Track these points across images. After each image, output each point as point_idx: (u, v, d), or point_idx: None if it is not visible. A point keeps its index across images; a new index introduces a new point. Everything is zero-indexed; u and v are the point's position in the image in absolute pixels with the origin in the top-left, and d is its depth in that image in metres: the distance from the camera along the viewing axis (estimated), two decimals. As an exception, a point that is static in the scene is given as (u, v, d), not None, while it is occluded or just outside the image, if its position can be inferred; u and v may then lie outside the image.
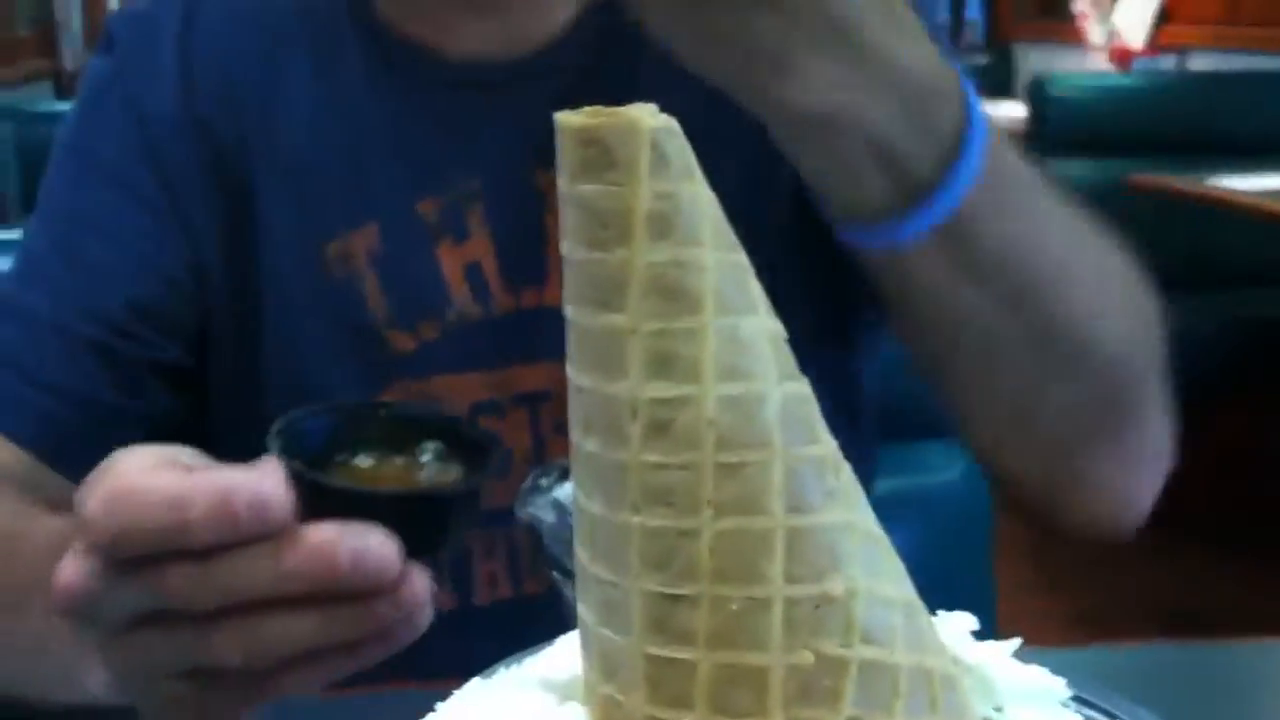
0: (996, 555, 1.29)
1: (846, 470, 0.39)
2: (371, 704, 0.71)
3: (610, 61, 0.85)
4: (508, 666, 0.44)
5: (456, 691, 0.41)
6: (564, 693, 0.42)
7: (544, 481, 0.79)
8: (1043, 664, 0.45)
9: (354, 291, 0.85)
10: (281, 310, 0.86)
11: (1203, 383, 2.81)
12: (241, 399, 0.87)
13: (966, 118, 0.68)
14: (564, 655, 0.43)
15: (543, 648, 0.45)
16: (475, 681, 0.42)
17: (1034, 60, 5.09)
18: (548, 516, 0.71)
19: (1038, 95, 3.50)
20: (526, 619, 0.75)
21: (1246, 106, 3.44)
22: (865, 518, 0.39)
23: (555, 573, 0.62)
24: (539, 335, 0.83)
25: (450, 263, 0.85)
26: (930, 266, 0.70)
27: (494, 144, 0.86)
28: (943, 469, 1.26)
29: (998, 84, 5.06)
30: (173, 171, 0.86)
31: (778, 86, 0.64)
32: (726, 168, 0.73)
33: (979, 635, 0.45)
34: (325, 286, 0.85)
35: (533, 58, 0.86)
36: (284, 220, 0.86)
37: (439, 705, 0.40)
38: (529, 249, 0.85)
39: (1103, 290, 0.78)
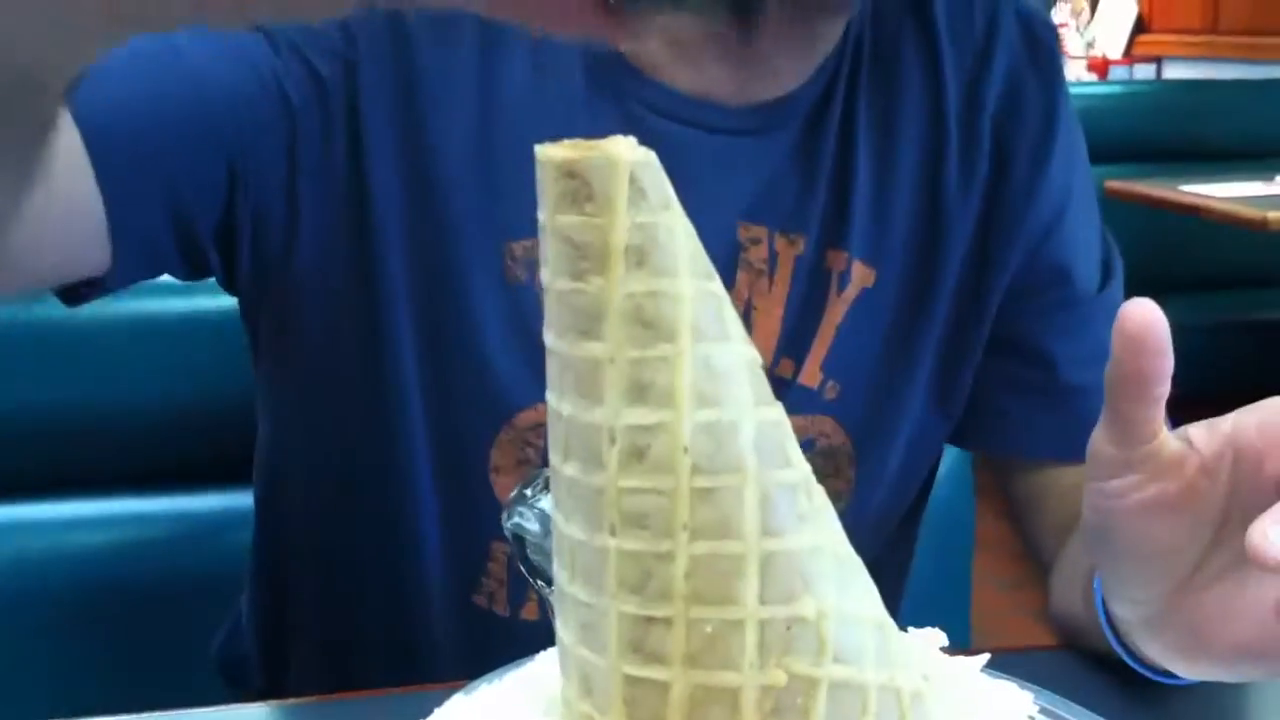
0: (977, 552, 1.30)
1: (819, 493, 0.40)
2: (374, 707, 0.72)
3: (830, 118, 0.85)
4: (490, 682, 0.45)
5: (438, 709, 0.42)
6: (544, 709, 0.43)
7: (529, 492, 0.80)
8: (1023, 666, 0.46)
9: (531, 296, 0.81)
10: (464, 304, 0.81)
11: (1180, 385, 2.83)
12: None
13: None
14: (544, 672, 0.44)
15: (523, 663, 0.46)
16: (457, 697, 0.43)
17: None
18: (532, 526, 0.72)
19: (1015, 102, 3.50)
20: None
21: (1221, 114, 3.47)
22: (836, 539, 0.40)
23: (540, 582, 0.62)
24: None
25: None
26: None
27: (701, 185, 0.79)
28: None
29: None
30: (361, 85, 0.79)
31: None
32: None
33: (953, 638, 0.46)
34: (502, 285, 0.81)
35: (765, 109, 0.84)
36: (471, 208, 0.81)
37: (420, 721, 0.41)
38: None
39: None
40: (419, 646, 0.87)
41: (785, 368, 0.86)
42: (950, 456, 1.23)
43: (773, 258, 0.85)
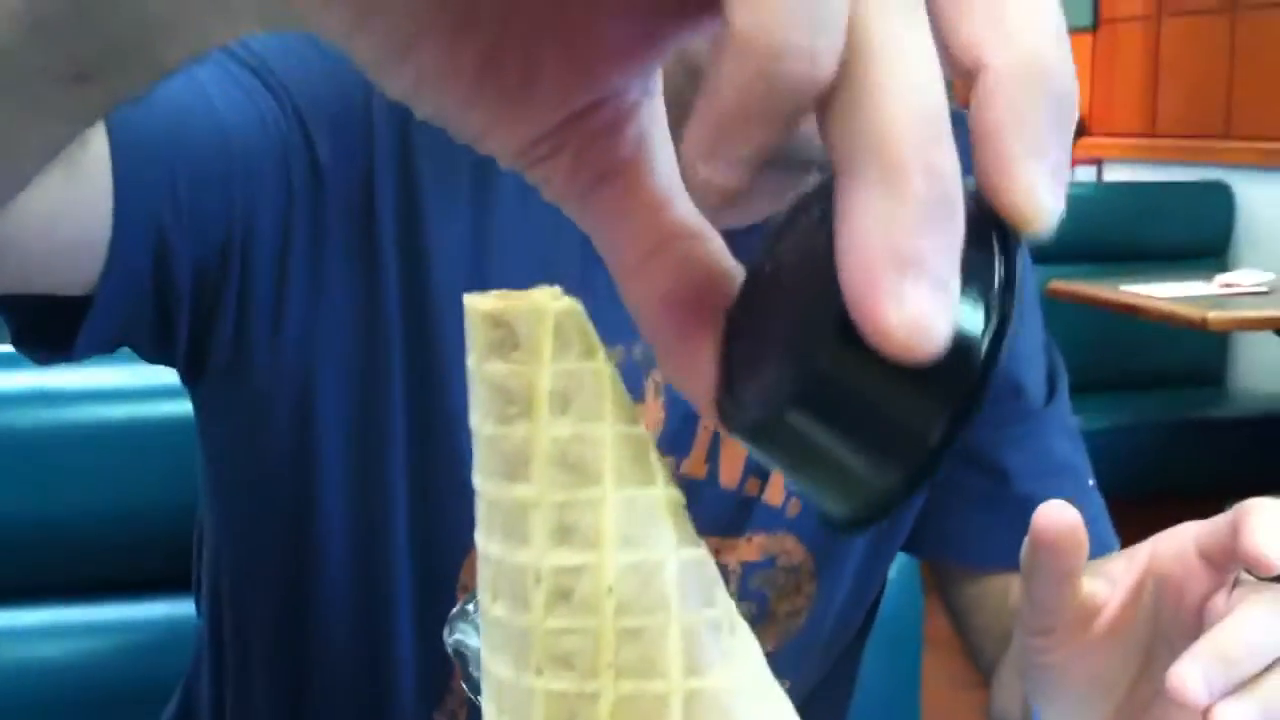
0: (927, 651, 1.31)
1: (742, 629, 0.41)
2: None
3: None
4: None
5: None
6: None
7: (471, 607, 0.81)
8: None
9: None
10: (455, 418, 0.81)
11: (1124, 486, 2.88)
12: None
13: None
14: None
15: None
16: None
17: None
18: (473, 642, 0.72)
19: (961, 204, 3.55)
20: None
21: (1161, 215, 3.54)
22: (760, 674, 0.41)
23: (480, 697, 0.62)
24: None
25: None
26: None
27: None
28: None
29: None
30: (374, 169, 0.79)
31: None
32: None
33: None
34: None
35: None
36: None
37: None
38: (686, 420, 0.85)
39: None
40: None
41: (752, 486, 0.87)
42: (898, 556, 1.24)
43: None
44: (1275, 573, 0.55)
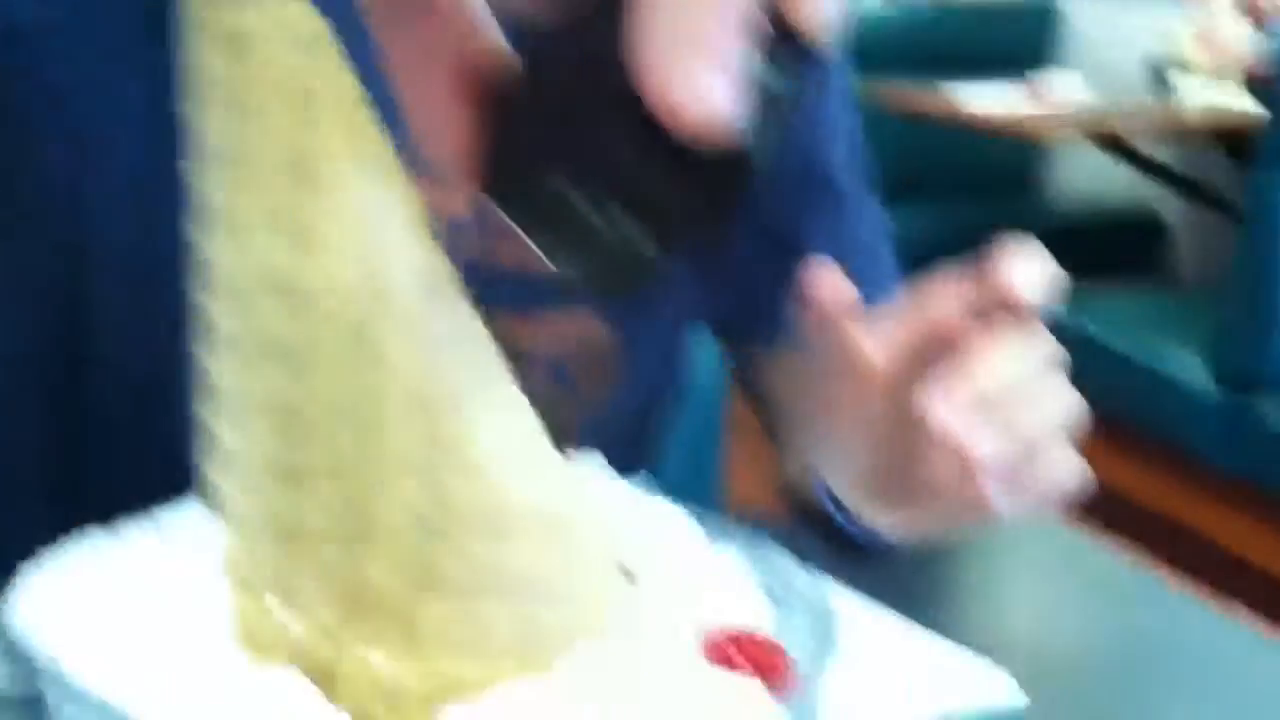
0: (735, 439, 1.32)
1: (468, 315, 0.40)
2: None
3: None
4: (137, 523, 0.43)
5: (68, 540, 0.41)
6: (189, 536, 0.42)
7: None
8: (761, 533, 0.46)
9: None
10: None
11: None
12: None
13: None
14: (194, 508, 0.43)
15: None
16: (95, 533, 0.42)
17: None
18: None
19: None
20: None
21: (988, 26, 3.57)
22: (493, 374, 0.40)
23: None
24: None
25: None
26: None
27: None
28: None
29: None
30: None
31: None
32: None
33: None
34: None
35: None
36: None
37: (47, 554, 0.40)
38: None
39: None
40: None
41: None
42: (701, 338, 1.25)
43: None
44: (1023, 301, 0.56)
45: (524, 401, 0.41)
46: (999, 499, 0.54)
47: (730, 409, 1.32)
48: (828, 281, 0.59)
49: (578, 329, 0.88)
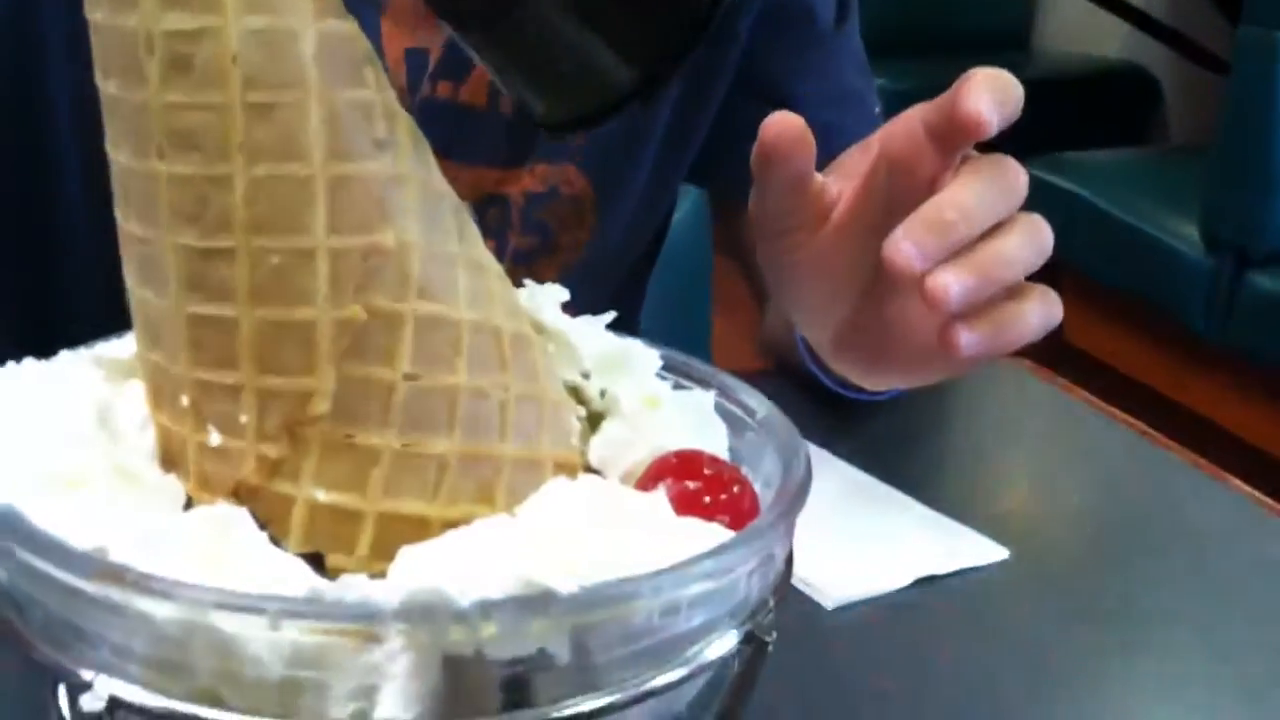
0: (718, 314, 1.30)
1: (405, 122, 0.37)
2: None
3: None
4: (73, 350, 0.41)
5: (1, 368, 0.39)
6: (122, 370, 0.40)
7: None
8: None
9: None
10: None
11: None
12: None
13: None
14: (130, 338, 0.40)
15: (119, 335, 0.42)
16: (29, 361, 0.39)
17: None
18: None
19: None
20: None
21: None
22: (426, 173, 0.37)
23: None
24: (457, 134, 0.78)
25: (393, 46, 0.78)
26: None
27: None
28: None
29: None
30: None
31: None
32: None
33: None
34: None
35: None
36: None
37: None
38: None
39: None
40: None
41: None
42: (688, 208, 1.22)
43: None
44: (989, 133, 0.53)
45: (462, 210, 0.39)
46: (961, 338, 0.51)
47: (716, 280, 1.30)
48: (781, 122, 0.56)
49: (560, 179, 0.86)
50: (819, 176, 0.59)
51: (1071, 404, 0.90)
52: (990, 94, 0.52)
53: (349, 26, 0.35)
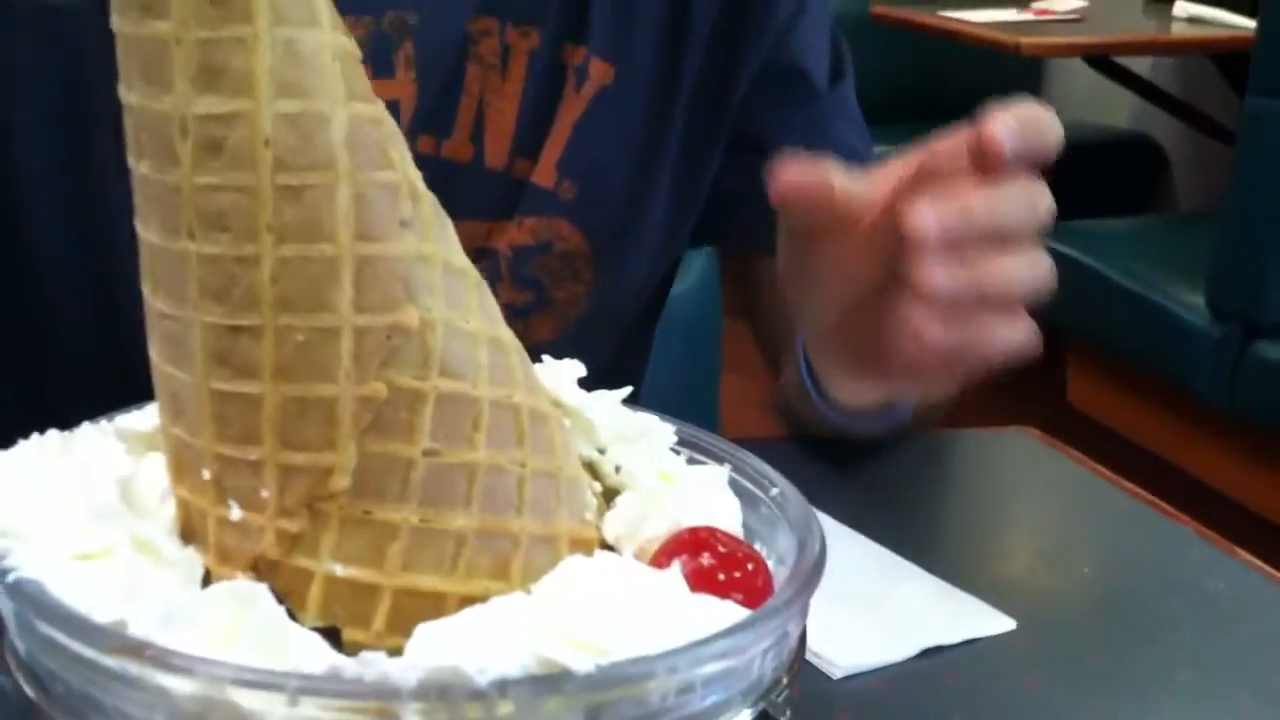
0: (726, 372, 1.30)
1: (429, 201, 0.38)
2: None
3: None
4: (94, 422, 0.42)
5: (25, 440, 0.39)
6: (144, 443, 0.40)
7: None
8: (762, 453, 0.45)
9: None
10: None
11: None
12: None
13: None
14: (153, 410, 0.41)
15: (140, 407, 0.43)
16: (52, 433, 0.40)
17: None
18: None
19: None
20: None
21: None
22: (448, 250, 0.38)
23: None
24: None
25: None
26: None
27: None
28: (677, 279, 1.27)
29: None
30: None
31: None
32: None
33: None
34: None
35: None
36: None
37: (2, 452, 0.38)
38: (445, 97, 0.80)
39: None
40: None
41: (522, 168, 0.83)
42: (697, 272, 1.23)
43: (505, 51, 0.81)
44: (1002, 152, 0.55)
45: (483, 286, 0.39)
46: (937, 334, 0.53)
47: (727, 342, 1.31)
48: (793, 167, 0.58)
49: (552, 233, 0.86)
50: (843, 185, 0.60)
51: (1079, 472, 0.90)
52: (1016, 122, 0.54)
53: (376, 109, 0.36)
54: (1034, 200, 0.55)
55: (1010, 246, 0.54)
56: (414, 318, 0.36)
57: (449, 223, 0.38)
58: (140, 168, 0.35)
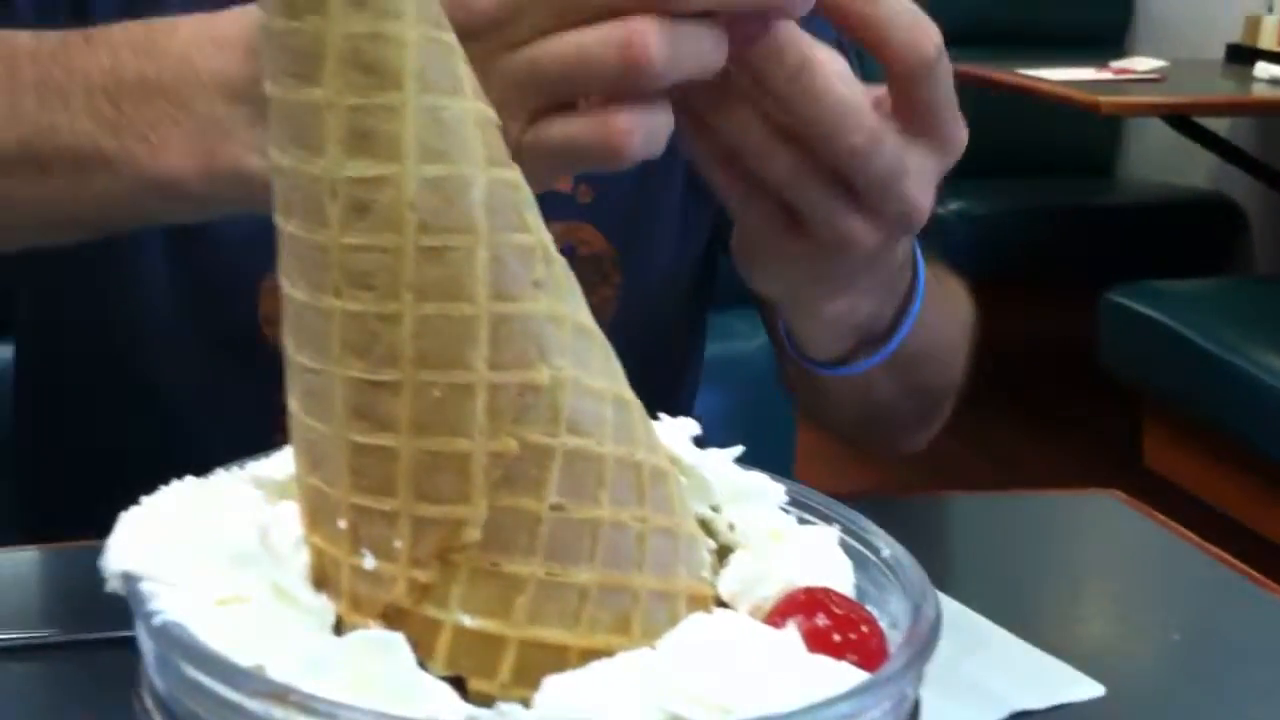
0: (801, 425, 1.31)
1: (559, 263, 0.39)
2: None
3: None
4: (227, 469, 0.43)
5: (164, 487, 0.40)
6: (278, 490, 0.41)
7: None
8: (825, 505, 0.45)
9: None
10: None
11: (1004, 266, 2.90)
12: None
13: (914, 268, 0.73)
14: (284, 457, 0.42)
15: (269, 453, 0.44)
16: (190, 479, 0.41)
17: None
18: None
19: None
20: None
21: (1061, 1, 3.51)
22: (577, 311, 0.39)
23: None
24: None
25: None
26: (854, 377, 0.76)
27: None
28: (750, 336, 1.28)
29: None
30: None
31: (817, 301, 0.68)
32: None
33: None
34: None
35: None
36: None
37: (144, 498, 0.39)
38: None
39: (964, 347, 0.88)
40: None
41: None
42: (766, 361, 1.23)
43: None
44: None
45: (608, 347, 0.40)
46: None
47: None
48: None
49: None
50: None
51: (1164, 536, 0.89)
52: None
53: (514, 174, 0.37)
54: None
55: None
56: (545, 375, 0.37)
57: (577, 285, 0.39)
58: (288, 227, 0.37)
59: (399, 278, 0.36)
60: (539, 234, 0.38)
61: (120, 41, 0.58)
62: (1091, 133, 3.32)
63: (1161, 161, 3.41)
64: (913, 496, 0.93)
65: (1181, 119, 2.96)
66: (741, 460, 0.46)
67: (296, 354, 0.38)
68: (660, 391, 0.45)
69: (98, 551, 0.38)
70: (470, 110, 0.36)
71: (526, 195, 0.38)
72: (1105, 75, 2.92)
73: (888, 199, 0.58)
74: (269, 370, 0.79)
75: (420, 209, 0.36)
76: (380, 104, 0.35)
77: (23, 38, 0.62)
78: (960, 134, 0.59)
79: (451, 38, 0.37)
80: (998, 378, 2.88)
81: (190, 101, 0.55)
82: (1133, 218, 3.12)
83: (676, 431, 0.44)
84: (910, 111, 0.58)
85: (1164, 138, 3.17)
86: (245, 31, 0.55)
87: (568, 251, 0.86)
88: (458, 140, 0.36)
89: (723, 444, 0.45)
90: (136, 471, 0.84)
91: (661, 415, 0.45)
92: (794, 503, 0.45)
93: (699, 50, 0.50)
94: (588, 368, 0.39)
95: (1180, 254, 3.02)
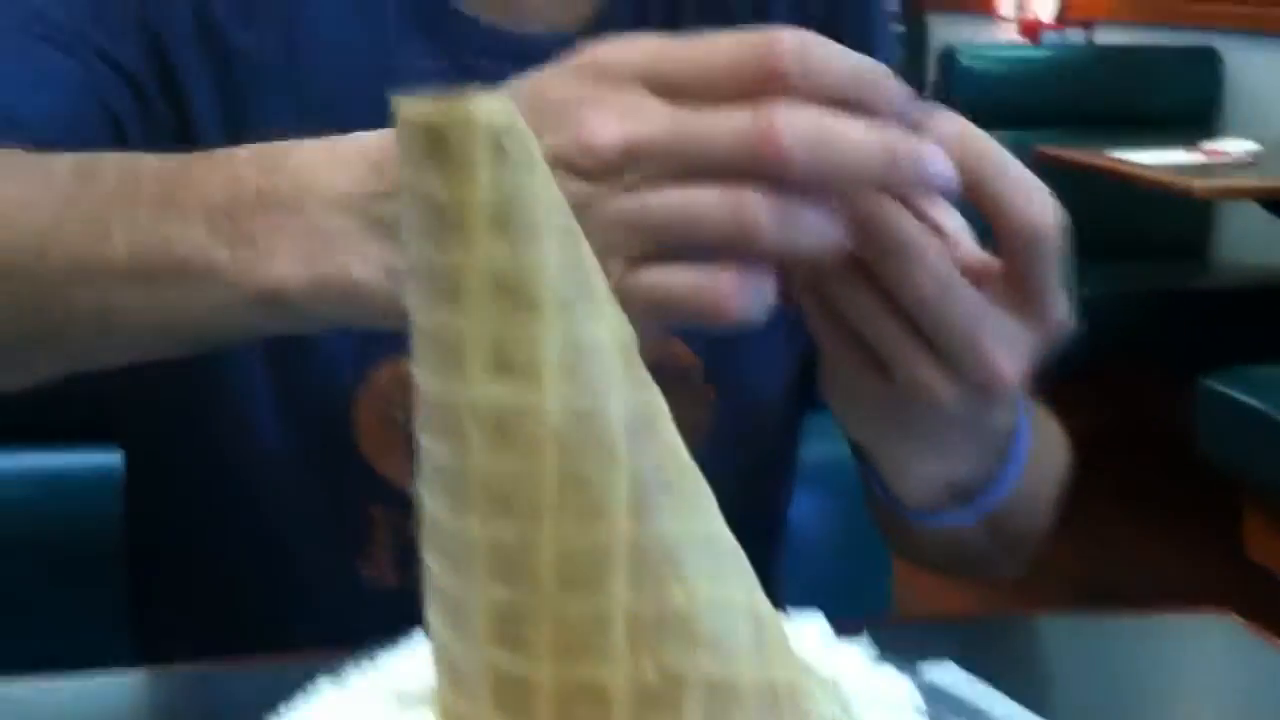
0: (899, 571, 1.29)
1: (691, 474, 0.38)
2: (243, 677, 0.69)
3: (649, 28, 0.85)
4: (359, 667, 0.43)
5: (304, 696, 0.40)
6: (414, 701, 0.41)
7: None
8: (946, 636, 0.44)
9: None
10: None
11: (1097, 351, 2.86)
12: None
13: (1016, 425, 0.70)
14: (416, 661, 0.42)
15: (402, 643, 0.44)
16: (329, 688, 0.41)
17: (945, 30, 5.11)
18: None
19: (947, 65, 3.51)
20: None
21: (1150, 80, 3.48)
22: (710, 522, 0.38)
23: None
24: None
25: None
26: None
27: None
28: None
29: (910, 53, 5.09)
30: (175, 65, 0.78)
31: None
32: None
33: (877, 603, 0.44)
34: None
35: (574, 34, 0.79)
36: None
37: (284, 710, 0.39)
38: None
39: (1055, 496, 0.85)
40: (301, 620, 0.84)
41: None
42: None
43: None
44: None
45: (735, 546, 0.39)
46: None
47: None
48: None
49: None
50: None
51: (1253, 635, 0.86)
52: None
53: (652, 395, 0.37)
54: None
55: None
56: (681, 597, 0.37)
57: (711, 496, 0.39)
58: (428, 447, 0.37)
59: (540, 503, 0.35)
60: (674, 447, 0.37)
61: (242, 159, 0.59)
62: (1183, 215, 3.28)
63: (1256, 244, 3.35)
64: (1011, 617, 0.91)
65: (1277, 201, 2.92)
66: (841, 588, 0.44)
67: (435, 569, 0.38)
68: (758, 503, 0.44)
69: (209, 678, 0.37)
70: (611, 334, 0.36)
71: (660, 407, 0.37)
72: (1197, 157, 2.89)
73: (964, 358, 0.57)
74: (362, 483, 0.79)
75: (561, 435, 0.35)
76: (523, 330, 0.35)
77: (149, 159, 0.63)
78: (1059, 316, 0.59)
79: (586, 252, 0.36)
80: (1092, 464, 2.83)
81: (303, 211, 0.55)
82: (1226, 302, 3.08)
83: (807, 630, 0.43)
84: (1011, 281, 0.57)
85: (1257, 219, 3.12)
86: (366, 151, 0.55)
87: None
88: (598, 366, 0.36)
89: (818, 550, 0.44)
90: (240, 588, 0.84)
91: (789, 608, 0.44)
92: (928, 692, 0.44)
93: (812, 228, 0.50)
94: (723, 582, 0.38)
95: (1276, 338, 2.97)
